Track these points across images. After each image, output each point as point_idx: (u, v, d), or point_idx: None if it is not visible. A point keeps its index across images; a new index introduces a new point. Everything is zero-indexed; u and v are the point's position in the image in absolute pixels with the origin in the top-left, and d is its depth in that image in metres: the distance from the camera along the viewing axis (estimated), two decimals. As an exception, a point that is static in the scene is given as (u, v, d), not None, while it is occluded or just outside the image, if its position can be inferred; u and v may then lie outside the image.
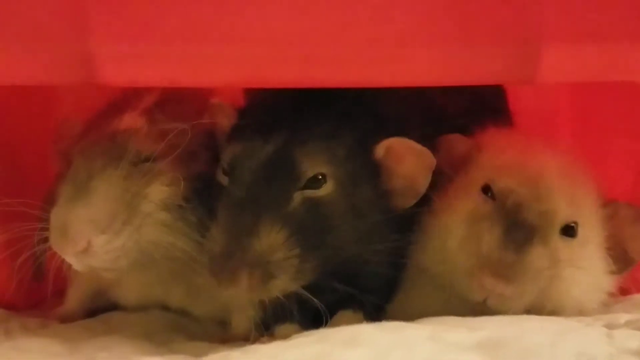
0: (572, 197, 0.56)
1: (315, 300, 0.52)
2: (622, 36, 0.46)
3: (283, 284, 0.51)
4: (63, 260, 0.56)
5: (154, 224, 0.56)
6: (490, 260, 0.52)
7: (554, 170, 0.57)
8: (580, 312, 0.55)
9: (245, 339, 0.59)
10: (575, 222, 0.56)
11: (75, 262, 0.55)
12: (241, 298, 0.59)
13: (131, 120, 0.59)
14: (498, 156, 0.58)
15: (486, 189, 0.56)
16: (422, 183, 0.56)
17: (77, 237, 0.53)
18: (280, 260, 0.50)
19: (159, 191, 0.57)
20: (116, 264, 0.56)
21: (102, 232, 0.54)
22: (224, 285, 0.50)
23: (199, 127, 0.59)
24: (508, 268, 0.52)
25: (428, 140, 0.56)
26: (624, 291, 0.60)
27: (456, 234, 0.55)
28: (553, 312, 0.54)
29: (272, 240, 0.50)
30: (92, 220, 0.54)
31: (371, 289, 0.56)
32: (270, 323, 0.59)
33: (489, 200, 0.56)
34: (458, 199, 0.57)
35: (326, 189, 0.53)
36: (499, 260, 0.52)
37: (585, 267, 0.56)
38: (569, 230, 0.55)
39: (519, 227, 0.53)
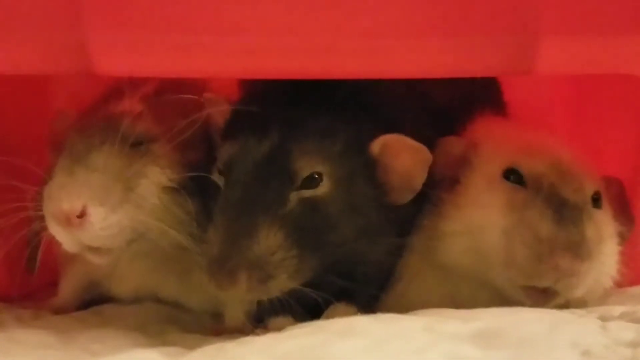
0: (589, 171, 0.57)
1: (314, 294, 0.52)
2: (619, 28, 0.46)
3: (282, 284, 0.51)
4: (56, 250, 0.56)
5: (151, 204, 0.56)
6: (555, 242, 0.51)
7: (566, 150, 0.57)
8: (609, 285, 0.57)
9: (239, 331, 0.59)
10: (598, 193, 0.56)
11: (68, 239, 0.55)
12: (240, 298, 0.59)
13: (130, 104, 0.59)
14: (509, 144, 0.58)
15: (508, 175, 0.56)
16: (419, 179, 0.56)
17: (74, 198, 0.53)
18: (279, 261, 0.50)
19: (157, 172, 0.57)
20: (110, 243, 0.55)
21: (100, 204, 0.53)
22: (222, 288, 0.50)
23: (197, 116, 0.59)
24: (578, 245, 0.51)
25: (423, 135, 0.56)
26: (618, 283, 0.60)
27: (498, 227, 0.54)
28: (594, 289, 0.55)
29: (269, 242, 0.50)
30: (90, 187, 0.53)
31: (367, 281, 0.56)
32: (263, 315, 0.59)
33: (519, 187, 0.55)
34: (480, 193, 0.56)
35: (323, 188, 0.53)
36: (567, 238, 0.51)
37: (614, 236, 0.57)
38: (596, 202, 0.56)
39: (567, 207, 0.53)
